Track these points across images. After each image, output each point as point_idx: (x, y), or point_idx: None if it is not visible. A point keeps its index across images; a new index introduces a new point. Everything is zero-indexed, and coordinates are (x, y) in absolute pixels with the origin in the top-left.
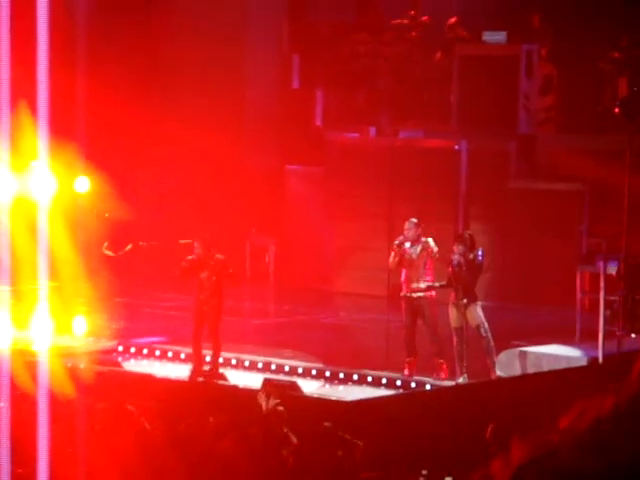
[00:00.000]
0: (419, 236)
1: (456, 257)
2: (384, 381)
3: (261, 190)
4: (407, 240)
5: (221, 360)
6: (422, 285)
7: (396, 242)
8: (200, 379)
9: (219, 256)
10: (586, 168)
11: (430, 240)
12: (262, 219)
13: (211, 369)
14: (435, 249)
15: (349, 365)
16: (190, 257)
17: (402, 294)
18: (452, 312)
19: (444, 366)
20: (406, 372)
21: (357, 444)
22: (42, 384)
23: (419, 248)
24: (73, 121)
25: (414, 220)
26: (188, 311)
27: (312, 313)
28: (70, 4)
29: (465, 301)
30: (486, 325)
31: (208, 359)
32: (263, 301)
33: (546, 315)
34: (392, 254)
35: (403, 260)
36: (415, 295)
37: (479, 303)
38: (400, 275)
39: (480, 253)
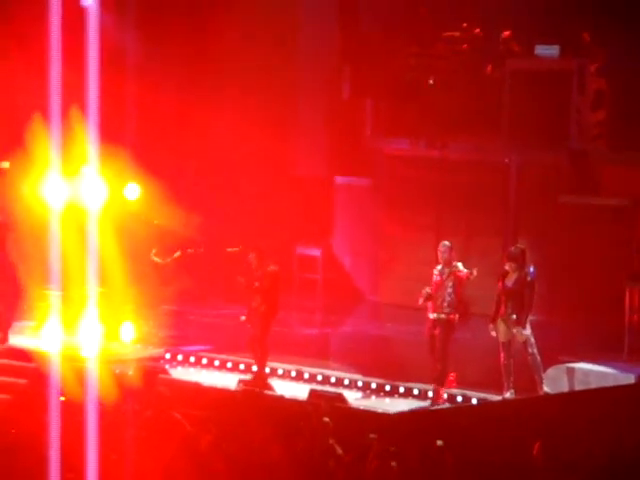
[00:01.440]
0: (451, 259)
1: (509, 275)
2: (430, 394)
3: (310, 200)
4: (440, 263)
5: (268, 370)
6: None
7: (437, 269)
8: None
9: (273, 267)
10: (637, 183)
11: (460, 264)
12: (311, 230)
13: (255, 378)
14: (464, 272)
15: (395, 377)
16: (240, 278)
17: (428, 315)
18: (500, 327)
19: (441, 392)
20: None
21: (401, 455)
22: (90, 390)
23: (447, 271)
24: (123, 127)
25: (447, 243)
26: (235, 319)
27: (359, 324)
28: (120, 9)
29: (514, 317)
30: (533, 341)
31: (254, 368)
32: (310, 312)
33: (594, 331)
34: (424, 293)
35: (431, 282)
36: (437, 316)
37: (528, 319)
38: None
39: (532, 270)
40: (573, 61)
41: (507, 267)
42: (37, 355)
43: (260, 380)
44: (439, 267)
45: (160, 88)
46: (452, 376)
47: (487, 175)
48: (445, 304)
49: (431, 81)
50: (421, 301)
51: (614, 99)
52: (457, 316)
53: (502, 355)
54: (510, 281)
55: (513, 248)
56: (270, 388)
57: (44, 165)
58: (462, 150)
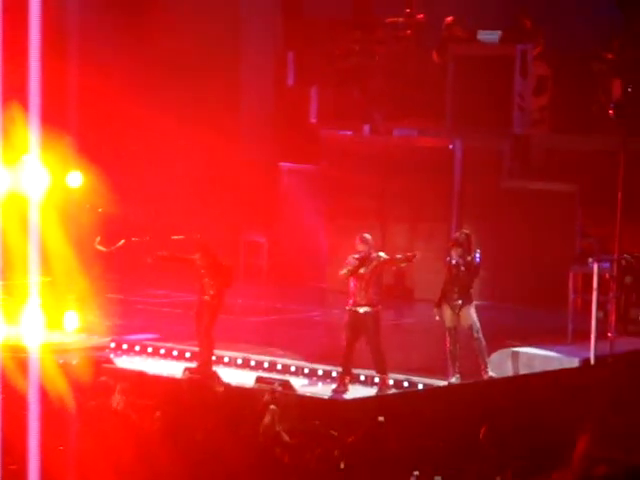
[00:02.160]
0: (370, 252)
1: (454, 259)
2: (377, 380)
3: (255, 187)
4: (362, 256)
5: (214, 358)
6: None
7: (354, 257)
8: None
9: (223, 263)
10: (579, 168)
11: (382, 254)
12: (256, 216)
13: (200, 366)
14: (387, 257)
15: (341, 363)
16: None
17: (347, 307)
18: (446, 312)
19: (386, 381)
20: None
21: (345, 441)
22: (33, 380)
23: (371, 264)
24: (65, 114)
25: (366, 235)
26: (181, 308)
27: (305, 311)
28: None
29: (460, 302)
30: (478, 326)
31: (225, 359)
32: (256, 299)
33: (539, 315)
34: (347, 267)
35: (355, 274)
36: (361, 310)
37: (474, 304)
38: (346, 288)
39: (478, 255)
40: (515, 46)
41: (453, 252)
42: None
43: (206, 368)
44: (355, 256)
45: (102, 75)
46: (346, 381)
47: (431, 160)
48: (369, 296)
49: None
50: (346, 270)
51: (556, 84)
52: (379, 307)
53: (448, 340)
54: (456, 266)
55: (458, 233)
56: (216, 376)
57: None
58: (406, 135)
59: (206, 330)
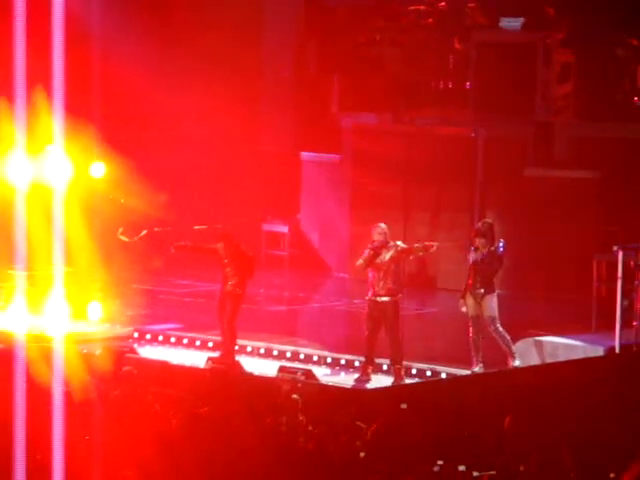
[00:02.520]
0: (387, 242)
1: (477, 249)
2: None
3: (276, 177)
4: (376, 245)
5: (236, 347)
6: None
7: (369, 247)
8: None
9: (247, 252)
10: (603, 156)
11: (399, 242)
12: (278, 206)
13: (224, 356)
14: (404, 246)
15: (364, 353)
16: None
17: (367, 297)
18: (469, 301)
19: (401, 372)
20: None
21: (367, 430)
22: (57, 370)
23: (388, 254)
24: (89, 105)
25: (383, 225)
26: (204, 297)
27: (327, 301)
28: None
29: (482, 291)
30: (496, 317)
31: (249, 348)
32: (278, 288)
33: (563, 304)
34: (363, 257)
35: (372, 264)
36: (380, 299)
37: (496, 294)
38: (367, 278)
39: (501, 245)
40: (538, 33)
41: (476, 242)
42: (3, 335)
43: (229, 358)
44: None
45: (126, 65)
46: (369, 370)
47: (454, 148)
48: (388, 286)
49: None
50: (363, 259)
51: (580, 71)
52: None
53: (471, 329)
54: (479, 255)
55: (481, 223)
56: (238, 366)
57: (8, 144)
58: (429, 124)
59: (229, 320)
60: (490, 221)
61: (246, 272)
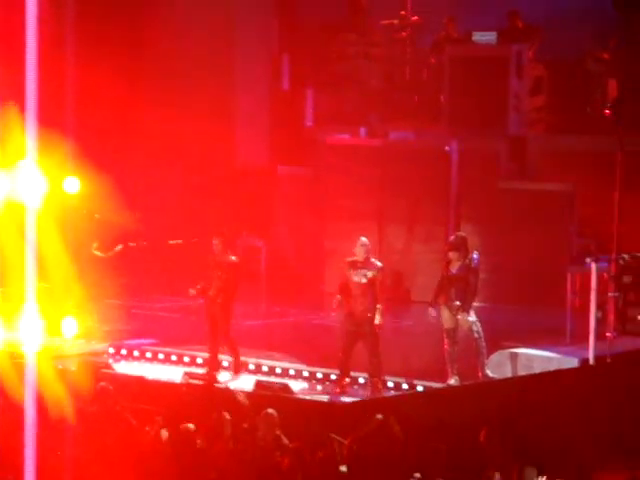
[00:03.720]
0: (369, 258)
1: (452, 263)
2: (369, 383)
3: (252, 191)
4: (357, 261)
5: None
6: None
7: (347, 260)
8: (196, 382)
9: (233, 258)
10: (576, 168)
11: (379, 263)
12: (253, 220)
13: (235, 369)
14: (381, 267)
15: (339, 367)
16: (198, 286)
17: (345, 313)
18: (444, 313)
19: (379, 385)
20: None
21: (344, 444)
22: (31, 386)
23: (369, 273)
24: (62, 119)
25: (364, 240)
26: (179, 312)
27: (303, 314)
28: (58, 3)
29: (458, 303)
30: (479, 327)
31: (224, 362)
32: (254, 302)
33: (537, 316)
34: (337, 296)
35: (349, 280)
36: (358, 315)
37: (472, 305)
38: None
39: (476, 257)
40: (511, 47)
41: (450, 255)
42: None
43: (212, 370)
44: (354, 273)
45: (100, 80)
46: (345, 383)
47: (428, 162)
48: (367, 303)
49: (370, 61)
50: (335, 305)
51: (552, 84)
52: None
53: (446, 342)
54: (454, 268)
55: (454, 236)
56: (215, 380)
57: None
58: (403, 137)
59: (224, 332)
60: (463, 234)
61: (232, 278)
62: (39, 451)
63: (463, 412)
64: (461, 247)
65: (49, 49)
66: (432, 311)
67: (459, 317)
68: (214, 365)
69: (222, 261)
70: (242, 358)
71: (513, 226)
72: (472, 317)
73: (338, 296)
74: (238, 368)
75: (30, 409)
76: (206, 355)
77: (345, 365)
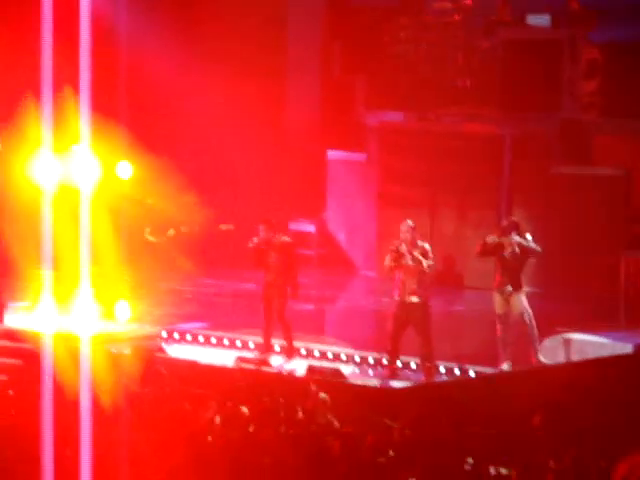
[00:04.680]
0: (415, 240)
1: (506, 246)
2: (423, 368)
3: (303, 176)
4: (404, 243)
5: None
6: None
7: (394, 245)
8: (249, 366)
9: (285, 238)
10: (630, 153)
11: (426, 245)
12: (304, 205)
13: (288, 352)
14: (428, 249)
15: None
16: (254, 239)
17: (395, 298)
18: (497, 299)
19: (431, 370)
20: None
21: (395, 428)
22: (85, 370)
23: (417, 254)
24: (116, 104)
25: (410, 223)
26: (231, 296)
27: (354, 299)
28: None
29: (510, 289)
30: (530, 312)
31: (276, 347)
32: (306, 287)
33: (591, 302)
34: (388, 257)
35: (399, 265)
36: (407, 300)
37: (524, 291)
38: (394, 279)
39: (530, 240)
40: (565, 30)
41: (505, 240)
42: (31, 336)
43: (264, 353)
44: (403, 247)
45: (153, 65)
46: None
47: (481, 146)
48: (416, 287)
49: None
50: (388, 260)
51: (607, 68)
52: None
53: (498, 327)
54: (506, 253)
55: (506, 221)
56: (267, 364)
57: (35, 145)
58: (455, 122)
59: (279, 314)
60: (515, 219)
61: (288, 261)
62: (93, 434)
63: (516, 397)
64: (512, 231)
65: (102, 35)
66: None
67: (511, 301)
68: (267, 349)
69: (275, 243)
70: (295, 343)
71: (566, 211)
72: (523, 302)
73: (388, 258)
74: (291, 352)
75: (85, 393)
76: (258, 339)
77: (395, 350)
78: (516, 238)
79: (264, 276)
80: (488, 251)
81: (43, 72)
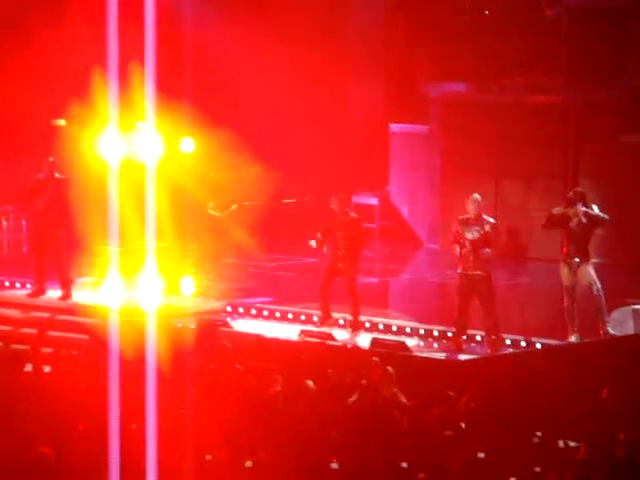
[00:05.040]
0: (480, 215)
1: (572, 216)
2: (488, 341)
3: (366, 149)
4: (469, 218)
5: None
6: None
7: (460, 217)
8: (314, 339)
9: (353, 214)
10: None
11: (491, 220)
12: (367, 178)
13: (354, 326)
14: (494, 223)
15: (454, 325)
16: (318, 235)
17: (458, 271)
18: (563, 270)
19: (497, 343)
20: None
21: (461, 401)
22: (151, 344)
23: (480, 229)
24: (180, 79)
25: (477, 196)
26: (294, 271)
27: (418, 272)
28: None
29: (578, 260)
30: (599, 284)
31: (341, 320)
32: (369, 261)
33: None
34: (452, 236)
35: (461, 237)
36: (471, 273)
37: (592, 262)
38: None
39: (597, 210)
40: None
41: (571, 210)
42: (98, 311)
43: (326, 326)
44: (467, 224)
45: (217, 41)
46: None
47: (545, 116)
48: (479, 259)
49: (487, 11)
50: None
51: None
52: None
53: (565, 299)
54: (573, 224)
55: (572, 192)
56: (332, 338)
57: (101, 121)
58: (519, 92)
59: (351, 290)
60: (581, 190)
61: (357, 240)
62: (159, 409)
63: (584, 370)
64: (579, 202)
65: (167, 13)
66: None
67: (579, 272)
68: (325, 319)
69: (343, 220)
70: (360, 317)
71: (635, 181)
72: (591, 273)
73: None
74: (357, 326)
75: (151, 367)
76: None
77: (461, 323)
78: (582, 208)
79: (332, 251)
80: (554, 222)
81: (109, 48)
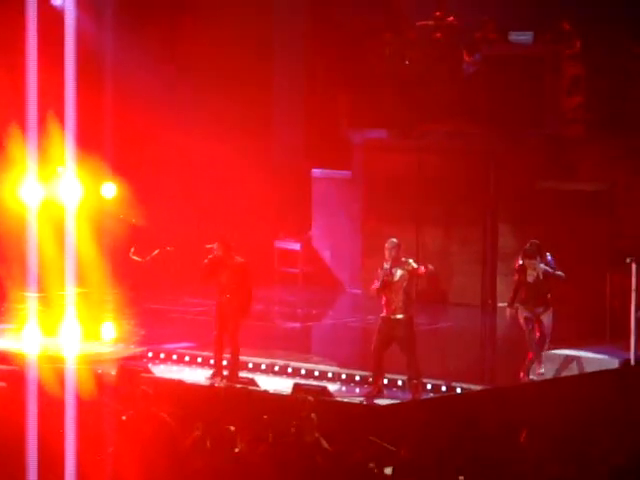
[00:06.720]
0: (399, 258)
1: (531, 270)
2: (409, 385)
3: (288, 194)
4: (387, 261)
5: (250, 365)
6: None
7: (385, 266)
8: (219, 383)
9: (239, 258)
10: (614, 168)
11: (411, 261)
12: (289, 223)
13: (230, 373)
14: (421, 268)
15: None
16: (210, 256)
17: (381, 315)
18: (521, 310)
19: (418, 388)
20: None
21: (390, 449)
22: (70, 390)
23: (399, 270)
24: (100, 126)
25: (394, 240)
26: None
27: (340, 317)
28: (96, 15)
29: (542, 309)
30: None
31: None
32: (291, 305)
33: (577, 317)
34: (376, 282)
35: (386, 285)
36: (393, 317)
37: (551, 310)
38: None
39: (550, 259)
40: (548, 46)
41: (525, 264)
42: (17, 357)
43: (233, 374)
44: (386, 265)
45: (137, 88)
46: (380, 384)
47: (465, 163)
48: (401, 304)
49: (407, 62)
50: (376, 284)
51: (590, 83)
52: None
53: (528, 328)
54: (531, 277)
55: (528, 245)
56: (253, 383)
57: (21, 168)
58: (440, 138)
59: (233, 337)
60: (537, 242)
61: (242, 280)
62: (79, 455)
63: (502, 413)
64: (536, 254)
65: (87, 60)
66: (509, 313)
67: (544, 319)
68: (219, 371)
69: (230, 264)
70: (280, 360)
71: (552, 226)
72: (549, 322)
73: (376, 282)
74: (235, 370)
75: (70, 412)
76: (244, 358)
77: (378, 366)
78: (542, 266)
79: (218, 296)
80: (514, 270)
81: (28, 98)
